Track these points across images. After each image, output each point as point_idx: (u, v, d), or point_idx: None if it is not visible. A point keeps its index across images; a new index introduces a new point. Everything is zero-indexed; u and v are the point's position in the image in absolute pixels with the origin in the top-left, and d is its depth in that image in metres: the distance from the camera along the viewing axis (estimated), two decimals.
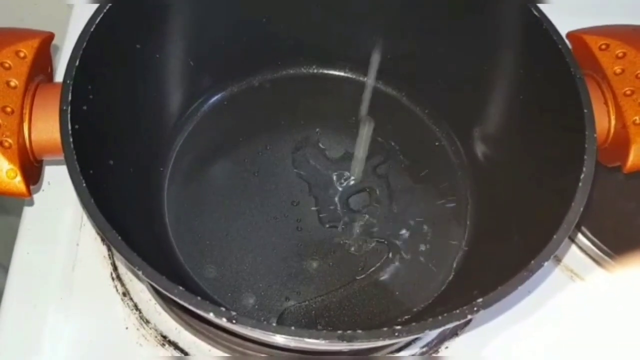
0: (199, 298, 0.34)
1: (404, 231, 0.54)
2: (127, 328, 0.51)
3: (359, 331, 0.33)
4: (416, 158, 0.58)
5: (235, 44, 0.56)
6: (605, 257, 0.55)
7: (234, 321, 0.33)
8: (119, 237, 0.35)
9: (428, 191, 0.56)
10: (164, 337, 0.50)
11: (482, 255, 0.50)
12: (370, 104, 0.60)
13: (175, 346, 0.50)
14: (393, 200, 0.55)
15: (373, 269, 0.52)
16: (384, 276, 0.52)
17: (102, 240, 0.54)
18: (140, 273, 0.34)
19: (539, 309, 0.53)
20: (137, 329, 0.51)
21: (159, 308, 0.51)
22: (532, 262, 0.36)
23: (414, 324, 0.34)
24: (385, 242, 0.53)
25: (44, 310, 0.51)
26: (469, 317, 0.35)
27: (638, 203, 0.59)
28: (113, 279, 0.53)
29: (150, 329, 0.51)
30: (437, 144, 0.59)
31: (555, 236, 0.37)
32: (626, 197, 0.59)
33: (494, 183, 0.52)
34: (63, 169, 0.54)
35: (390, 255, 0.53)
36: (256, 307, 0.50)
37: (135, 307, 0.52)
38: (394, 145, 0.58)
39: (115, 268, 0.53)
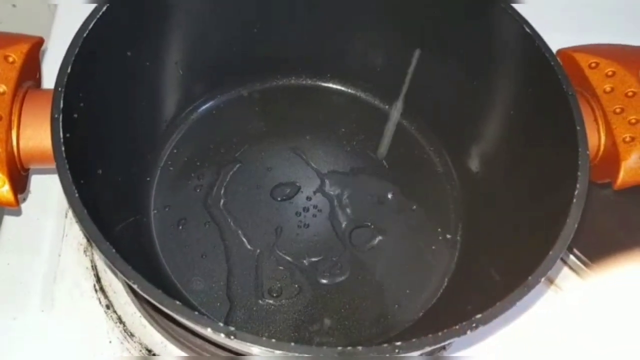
0: (196, 313, 0.33)
1: (389, 240, 0.54)
2: (110, 342, 0.49)
3: (359, 348, 0.33)
4: (406, 174, 0.58)
5: (226, 53, 0.55)
6: (582, 266, 0.56)
7: (232, 337, 0.32)
8: (114, 250, 0.34)
9: (418, 209, 0.56)
10: (149, 351, 0.49)
11: (473, 271, 0.50)
12: (359, 115, 0.60)
13: None
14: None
15: (361, 280, 0.52)
16: (375, 288, 0.51)
17: (85, 251, 0.53)
18: (136, 287, 0.33)
19: (518, 317, 0.53)
20: (121, 343, 0.49)
21: (144, 321, 0.50)
22: (530, 278, 0.36)
23: (414, 340, 0.34)
24: (373, 245, 0.53)
25: (24, 323, 0.49)
26: (469, 332, 0.34)
27: (619, 217, 0.59)
28: (96, 290, 0.51)
29: (134, 342, 0.50)
30: (425, 156, 0.59)
31: (551, 252, 0.38)
32: (607, 211, 0.59)
33: (485, 200, 0.53)
34: (44, 178, 0.54)
35: (380, 267, 0.52)
36: (246, 319, 0.49)
37: (119, 320, 0.50)
38: (383, 162, 0.58)
39: (98, 280, 0.52)
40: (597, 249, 0.56)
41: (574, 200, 0.39)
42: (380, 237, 0.54)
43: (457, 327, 0.35)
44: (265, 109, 0.59)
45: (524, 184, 0.48)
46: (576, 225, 0.39)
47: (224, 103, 0.58)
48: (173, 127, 0.56)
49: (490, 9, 0.48)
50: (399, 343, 0.33)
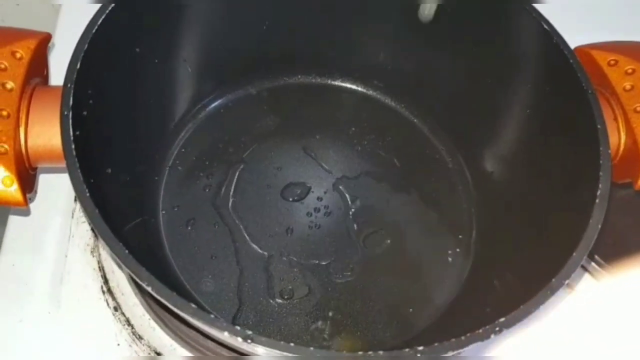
0: (212, 316, 0.32)
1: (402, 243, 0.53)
2: (118, 344, 0.48)
3: (380, 352, 0.32)
4: (418, 175, 0.57)
5: (235, 51, 0.54)
6: (597, 267, 0.55)
7: (249, 341, 0.31)
8: (127, 251, 0.33)
9: (431, 210, 0.55)
10: (158, 354, 0.48)
11: (489, 274, 0.49)
12: (370, 114, 0.59)
13: None
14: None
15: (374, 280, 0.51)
16: (387, 290, 0.50)
17: (92, 252, 0.52)
18: (150, 289, 0.32)
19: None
20: (130, 346, 0.48)
21: (153, 323, 0.49)
22: (553, 280, 0.35)
23: (436, 344, 0.33)
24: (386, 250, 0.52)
25: (31, 325, 0.48)
26: (492, 336, 0.33)
27: (635, 217, 0.58)
28: (104, 292, 0.50)
29: (143, 345, 0.48)
30: (437, 157, 0.58)
31: (575, 254, 0.37)
32: (623, 212, 0.58)
33: (502, 202, 0.52)
34: (51, 177, 0.53)
35: (393, 269, 0.51)
36: (257, 321, 0.48)
37: (128, 322, 0.49)
38: (393, 158, 0.57)
39: (106, 281, 0.51)
40: (612, 250, 0.55)
41: (597, 201, 0.39)
42: (392, 239, 0.53)
43: (480, 331, 0.34)
44: (274, 107, 0.58)
45: (542, 185, 0.47)
46: (599, 226, 0.38)
47: (232, 101, 0.57)
48: (181, 126, 0.55)
49: (508, 6, 0.47)
50: (421, 347, 0.32)
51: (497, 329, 0.34)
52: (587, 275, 0.55)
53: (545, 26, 0.46)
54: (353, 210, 0.54)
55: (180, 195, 0.52)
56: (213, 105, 0.57)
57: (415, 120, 0.59)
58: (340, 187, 0.55)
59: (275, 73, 0.59)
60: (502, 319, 0.34)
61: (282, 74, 0.59)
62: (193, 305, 0.32)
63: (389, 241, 0.53)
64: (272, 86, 0.59)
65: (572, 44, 0.49)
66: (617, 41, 0.51)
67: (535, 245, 0.44)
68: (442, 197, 0.56)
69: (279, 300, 0.49)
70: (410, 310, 0.49)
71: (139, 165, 0.49)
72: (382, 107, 0.60)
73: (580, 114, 0.43)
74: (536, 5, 0.47)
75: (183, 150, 0.54)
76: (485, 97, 0.52)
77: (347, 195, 0.55)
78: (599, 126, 0.41)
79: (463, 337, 0.33)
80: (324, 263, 0.51)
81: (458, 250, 0.53)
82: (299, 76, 0.59)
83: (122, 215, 0.44)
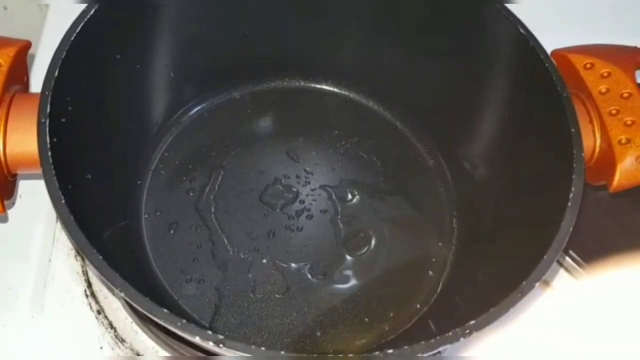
0: (184, 321, 0.32)
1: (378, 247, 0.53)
2: (101, 347, 0.49)
3: (350, 355, 0.32)
4: (400, 176, 0.57)
5: (217, 55, 0.55)
6: (576, 267, 0.55)
7: (221, 345, 0.32)
8: (100, 257, 0.34)
9: (414, 213, 0.55)
10: (141, 356, 0.49)
11: (468, 276, 0.49)
12: (353, 117, 0.60)
13: None
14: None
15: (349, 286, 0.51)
16: (368, 293, 0.51)
17: (75, 256, 0.52)
18: (122, 294, 0.33)
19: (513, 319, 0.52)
20: (112, 349, 0.49)
21: (135, 326, 0.50)
22: (524, 283, 0.36)
23: (406, 347, 0.33)
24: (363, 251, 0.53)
25: (15, 330, 0.48)
26: (462, 340, 0.34)
27: (613, 218, 0.58)
28: (87, 296, 0.51)
29: (126, 348, 0.49)
30: (420, 159, 0.58)
31: (545, 257, 0.37)
32: (602, 212, 0.58)
33: (480, 202, 0.52)
34: (35, 182, 0.53)
35: (374, 271, 0.52)
36: (238, 324, 0.48)
37: (110, 325, 0.50)
38: (375, 161, 0.58)
39: (89, 285, 0.51)
40: (591, 250, 0.55)
41: (569, 204, 0.39)
42: (374, 241, 0.53)
43: (450, 334, 0.34)
44: (257, 111, 0.59)
45: (519, 186, 0.47)
46: (571, 229, 0.38)
47: (215, 105, 0.58)
48: (164, 130, 0.55)
49: (484, 9, 0.47)
50: (390, 351, 0.33)
51: (467, 331, 0.34)
52: (567, 275, 0.55)
53: (522, 30, 0.46)
54: (335, 213, 0.55)
55: (163, 199, 0.53)
56: (196, 109, 0.57)
57: (397, 123, 0.59)
58: (323, 190, 0.56)
59: (258, 77, 0.59)
60: (472, 322, 0.35)
61: (265, 77, 0.59)
62: (165, 310, 0.32)
63: (370, 244, 0.53)
64: (255, 90, 0.59)
65: (552, 46, 0.50)
66: (595, 44, 0.52)
67: (510, 246, 0.44)
68: (424, 199, 0.56)
69: (260, 303, 0.49)
70: (391, 313, 0.50)
71: (121, 170, 0.50)
72: (364, 110, 0.60)
73: (556, 117, 0.43)
74: (514, 7, 0.47)
75: (166, 154, 0.55)
76: (464, 100, 0.53)
77: (330, 198, 0.55)
78: (572, 130, 0.42)
79: (432, 340, 0.34)
80: (305, 265, 0.52)
81: (439, 252, 0.53)
82: (282, 80, 0.60)
83: (104, 219, 0.45)
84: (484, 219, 0.50)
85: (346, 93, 0.61)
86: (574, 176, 0.40)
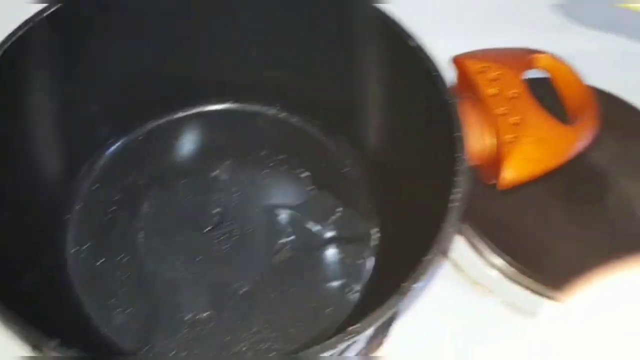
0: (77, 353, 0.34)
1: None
2: None
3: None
4: (325, 180, 0.59)
5: (135, 89, 0.56)
6: (548, 291, 0.55)
7: None
8: None
9: (338, 214, 0.57)
10: None
11: (386, 272, 0.51)
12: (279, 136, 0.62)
13: None
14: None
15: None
16: (299, 301, 0.53)
17: None
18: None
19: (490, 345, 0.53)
20: None
21: None
22: (402, 285, 0.37)
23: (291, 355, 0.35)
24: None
25: None
26: (340, 346, 0.35)
27: (579, 241, 0.58)
28: None
29: None
30: (345, 170, 0.60)
31: (424, 258, 0.38)
32: (567, 236, 0.58)
33: (391, 199, 0.54)
34: None
35: (302, 277, 0.54)
36: (171, 350, 0.50)
37: None
38: (305, 176, 0.59)
39: None
40: (560, 274, 0.54)
41: (449, 205, 0.41)
42: (300, 250, 0.55)
43: (333, 339, 0.36)
44: (181, 138, 0.60)
45: (416, 192, 0.49)
46: (452, 231, 0.40)
47: (139, 136, 0.59)
48: (89, 164, 0.57)
49: (369, 20, 0.49)
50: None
51: (347, 337, 0.36)
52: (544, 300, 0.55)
53: (411, 43, 0.48)
54: (264, 230, 0.56)
55: (88, 232, 0.54)
56: (120, 141, 0.59)
57: (322, 136, 0.61)
58: (251, 210, 0.57)
59: (179, 104, 0.60)
60: (357, 325, 0.36)
61: (186, 104, 0.61)
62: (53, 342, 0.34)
63: (297, 253, 0.55)
64: (178, 117, 0.61)
65: (457, 51, 0.52)
66: (494, 48, 0.54)
67: (404, 248, 0.46)
68: (349, 201, 0.57)
69: (192, 328, 0.51)
70: (321, 314, 0.52)
71: (43, 208, 0.51)
72: (290, 128, 0.62)
73: (443, 123, 0.45)
74: (414, 11, 0.49)
75: (92, 188, 0.56)
76: (356, 107, 0.56)
77: (257, 217, 0.57)
78: (455, 134, 0.43)
79: (318, 346, 0.35)
80: (236, 285, 0.53)
81: (365, 248, 0.55)
82: (203, 106, 0.61)
83: (23, 261, 0.46)
84: (394, 218, 0.52)
85: (274, 112, 0.62)
86: (455, 178, 0.42)
